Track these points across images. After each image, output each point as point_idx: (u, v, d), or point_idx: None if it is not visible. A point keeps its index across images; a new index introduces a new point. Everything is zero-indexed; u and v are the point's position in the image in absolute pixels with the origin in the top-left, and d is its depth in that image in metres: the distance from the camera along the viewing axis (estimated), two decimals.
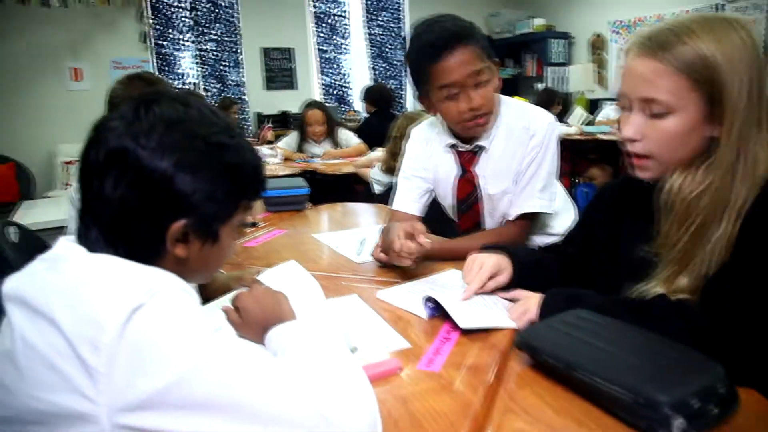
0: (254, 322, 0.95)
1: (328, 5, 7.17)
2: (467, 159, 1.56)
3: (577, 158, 5.52)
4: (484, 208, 1.60)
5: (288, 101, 6.83)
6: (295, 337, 0.84)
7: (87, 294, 0.66)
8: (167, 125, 0.74)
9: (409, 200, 1.61)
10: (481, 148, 1.53)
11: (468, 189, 1.59)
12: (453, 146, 1.57)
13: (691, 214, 0.92)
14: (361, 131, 4.56)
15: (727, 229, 0.89)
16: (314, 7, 7.12)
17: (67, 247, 0.75)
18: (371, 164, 3.42)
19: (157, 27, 6.24)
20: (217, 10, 6.50)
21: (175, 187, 0.73)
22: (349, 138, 4.35)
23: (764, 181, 0.90)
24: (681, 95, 0.90)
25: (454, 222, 1.70)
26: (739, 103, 0.87)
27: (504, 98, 1.53)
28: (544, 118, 1.50)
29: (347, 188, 3.88)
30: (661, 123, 0.93)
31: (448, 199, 1.65)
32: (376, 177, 3.25)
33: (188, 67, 6.46)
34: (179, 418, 0.63)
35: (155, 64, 6.29)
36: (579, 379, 0.78)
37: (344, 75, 7.38)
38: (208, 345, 0.66)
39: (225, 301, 1.16)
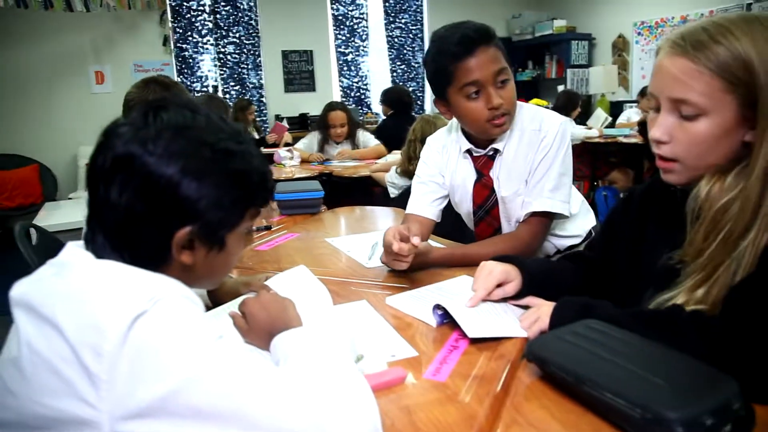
0: (260, 328, 0.95)
1: (348, 7, 7.20)
2: (483, 163, 1.56)
3: (597, 161, 5.45)
4: (501, 213, 1.59)
5: (307, 103, 6.88)
6: (299, 344, 0.83)
7: (90, 301, 0.67)
8: (174, 131, 0.74)
9: (424, 204, 1.60)
10: (497, 152, 1.52)
11: (485, 193, 1.58)
12: (468, 151, 1.56)
13: (719, 222, 0.87)
14: (377, 134, 4.55)
15: (756, 238, 0.84)
16: (334, 9, 7.16)
17: (73, 252, 0.76)
18: (387, 169, 3.41)
19: (178, 30, 6.32)
20: (237, 13, 6.57)
21: (181, 194, 0.73)
22: (368, 140, 4.35)
23: None
24: (714, 97, 0.86)
25: (473, 231, 1.68)
26: None
27: (518, 102, 1.52)
28: (555, 119, 1.50)
29: (364, 191, 3.88)
30: (692, 125, 0.89)
31: (465, 206, 1.64)
32: (392, 180, 3.23)
33: (208, 70, 6.54)
34: (179, 426, 0.63)
35: (176, 67, 6.37)
36: (587, 393, 0.76)
37: (363, 77, 7.41)
38: (208, 353, 0.66)
39: (233, 305, 1.16)
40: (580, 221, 1.65)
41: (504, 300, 1.13)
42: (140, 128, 0.73)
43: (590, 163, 5.46)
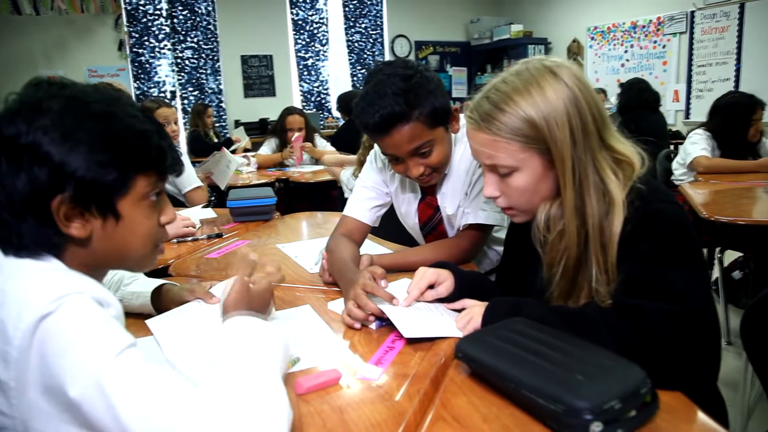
0: (245, 300, 0.95)
1: (308, 12, 7.19)
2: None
3: None
4: (447, 230, 1.61)
5: (267, 108, 6.85)
6: (237, 335, 0.82)
7: None
8: (37, 102, 0.74)
9: (363, 209, 1.59)
10: (444, 175, 1.53)
11: (429, 212, 1.60)
12: None
13: (555, 256, 1.01)
14: (334, 139, 4.55)
15: (597, 254, 0.96)
16: (293, 14, 7.15)
17: None
18: (341, 162, 3.45)
19: (134, 35, 6.22)
20: (194, 18, 6.50)
21: (47, 159, 0.71)
22: (324, 146, 4.36)
23: (627, 203, 0.96)
24: (517, 157, 0.99)
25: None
26: (564, 149, 0.95)
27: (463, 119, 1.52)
28: None
29: (322, 194, 3.89)
30: (511, 180, 1.02)
31: (410, 221, 1.66)
32: (349, 185, 3.26)
33: (166, 75, 6.44)
34: None
35: (132, 72, 6.27)
36: (508, 388, 0.80)
37: (323, 82, 7.41)
38: (109, 366, 0.64)
39: (180, 311, 1.17)
40: None
41: (440, 300, 1.17)
42: (7, 106, 0.74)
43: None
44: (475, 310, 1.06)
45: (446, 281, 1.17)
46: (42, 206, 0.73)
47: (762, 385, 1.18)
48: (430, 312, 1.14)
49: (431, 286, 1.16)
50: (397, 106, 1.28)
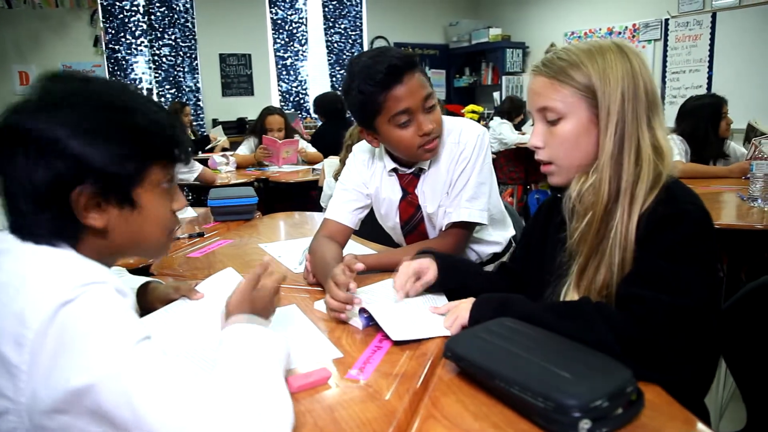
0: (249, 302, 0.95)
1: (287, 12, 7.15)
2: (408, 181, 1.57)
3: (531, 166, 5.64)
4: (427, 229, 1.62)
5: (245, 108, 6.79)
6: (240, 342, 0.83)
7: (16, 291, 0.66)
8: (56, 95, 0.75)
9: (345, 211, 1.59)
10: (422, 170, 1.54)
11: (410, 210, 1.61)
12: (394, 170, 1.57)
13: (588, 209, 1.02)
14: (314, 140, 4.54)
15: (623, 218, 0.98)
16: (273, 13, 7.10)
17: (3, 240, 0.75)
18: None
19: (110, 31, 6.11)
20: (172, 15, 6.41)
21: (68, 152, 0.72)
22: (305, 146, 4.35)
23: (665, 180, 1.01)
24: (567, 101, 1.04)
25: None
26: (612, 104, 1.01)
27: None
28: (473, 130, 1.52)
29: (302, 194, 3.88)
30: (557, 129, 1.06)
31: (390, 220, 1.66)
32: (331, 188, 3.26)
33: (142, 72, 6.34)
34: (89, 424, 0.63)
35: (108, 69, 6.16)
36: (498, 386, 0.81)
37: (302, 82, 7.37)
38: (128, 355, 0.65)
39: (166, 310, 1.16)
40: (501, 229, 1.71)
41: (426, 292, 1.19)
42: (28, 98, 0.75)
43: (524, 167, 5.64)
44: (461, 307, 1.08)
45: (431, 268, 1.22)
46: (61, 198, 0.74)
47: (736, 384, 1.22)
48: (417, 312, 1.15)
49: (418, 279, 1.20)
50: (404, 54, 1.39)
